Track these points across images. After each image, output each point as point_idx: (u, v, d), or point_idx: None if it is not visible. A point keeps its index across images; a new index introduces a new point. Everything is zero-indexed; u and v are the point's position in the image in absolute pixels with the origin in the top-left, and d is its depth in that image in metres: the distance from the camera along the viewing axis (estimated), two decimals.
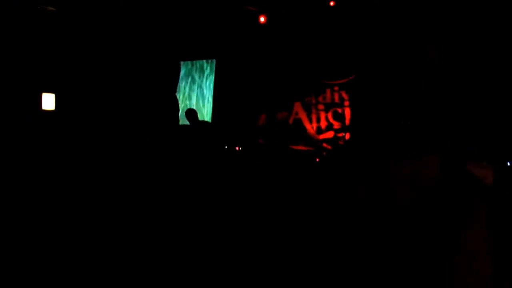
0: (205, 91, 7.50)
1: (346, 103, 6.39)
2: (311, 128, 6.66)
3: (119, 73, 6.15)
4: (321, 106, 6.62)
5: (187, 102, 7.51)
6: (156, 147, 5.63)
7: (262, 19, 6.18)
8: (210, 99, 7.33)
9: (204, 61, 7.47)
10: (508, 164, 4.57)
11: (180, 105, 6.94)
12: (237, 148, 6.16)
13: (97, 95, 6.07)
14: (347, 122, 6.37)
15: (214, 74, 7.49)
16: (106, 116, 5.89)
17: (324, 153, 6.11)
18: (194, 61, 7.47)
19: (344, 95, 6.41)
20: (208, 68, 7.49)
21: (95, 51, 6.22)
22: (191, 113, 5.79)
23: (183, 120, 5.86)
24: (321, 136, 6.52)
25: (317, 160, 6.04)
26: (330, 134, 6.38)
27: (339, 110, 6.45)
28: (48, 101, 6.06)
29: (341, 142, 6.26)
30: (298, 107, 6.79)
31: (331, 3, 6.02)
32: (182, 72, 7.33)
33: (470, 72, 4.70)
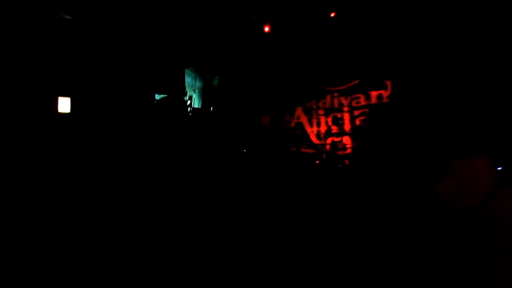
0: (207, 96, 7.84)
1: (345, 108, 6.71)
2: (311, 131, 6.99)
3: (129, 78, 6.46)
4: (321, 111, 6.94)
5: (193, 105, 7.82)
6: (163, 147, 5.81)
7: (266, 28, 6.53)
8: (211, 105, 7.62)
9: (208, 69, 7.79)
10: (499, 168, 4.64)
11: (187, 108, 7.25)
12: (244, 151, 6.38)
13: (110, 99, 6.36)
14: (345, 126, 6.69)
15: (218, 80, 7.83)
16: (118, 117, 6.18)
17: (324, 155, 6.43)
18: (199, 68, 7.78)
19: (343, 101, 6.75)
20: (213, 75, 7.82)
21: (107, 58, 6.52)
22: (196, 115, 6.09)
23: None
24: (321, 140, 6.84)
25: (317, 162, 6.34)
26: (329, 138, 6.70)
27: (338, 115, 6.77)
28: (64, 104, 6.33)
29: (340, 145, 6.58)
30: (299, 111, 7.12)
31: (332, 14, 6.37)
32: (188, 79, 7.63)
33: (471, 72, 4.64)
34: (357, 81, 6.58)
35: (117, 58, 6.37)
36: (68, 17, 6.38)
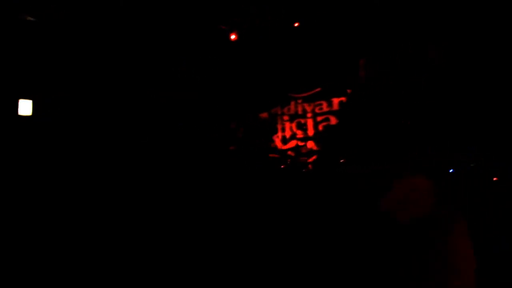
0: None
1: (309, 114, 6.98)
2: (276, 136, 7.20)
3: (94, 81, 6.42)
4: (286, 117, 7.17)
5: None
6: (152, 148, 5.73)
7: (233, 36, 6.69)
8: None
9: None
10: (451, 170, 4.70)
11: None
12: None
13: (72, 101, 6.28)
14: (309, 131, 6.95)
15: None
16: (81, 120, 6.12)
17: (288, 160, 6.65)
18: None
19: (307, 107, 7.01)
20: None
21: (71, 60, 6.44)
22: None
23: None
24: (286, 145, 7.06)
25: (282, 166, 6.55)
26: (293, 143, 6.93)
27: (302, 121, 7.03)
28: (25, 107, 6.19)
29: (304, 150, 6.82)
30: (265, 117, 7.31)
31: (295, 24, 6.63)
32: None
33: (471, 72, 4.56)
34: (319, 89, 6.88)
35: (82, 61, 6.32)
36: (30, 18, 6.27)
